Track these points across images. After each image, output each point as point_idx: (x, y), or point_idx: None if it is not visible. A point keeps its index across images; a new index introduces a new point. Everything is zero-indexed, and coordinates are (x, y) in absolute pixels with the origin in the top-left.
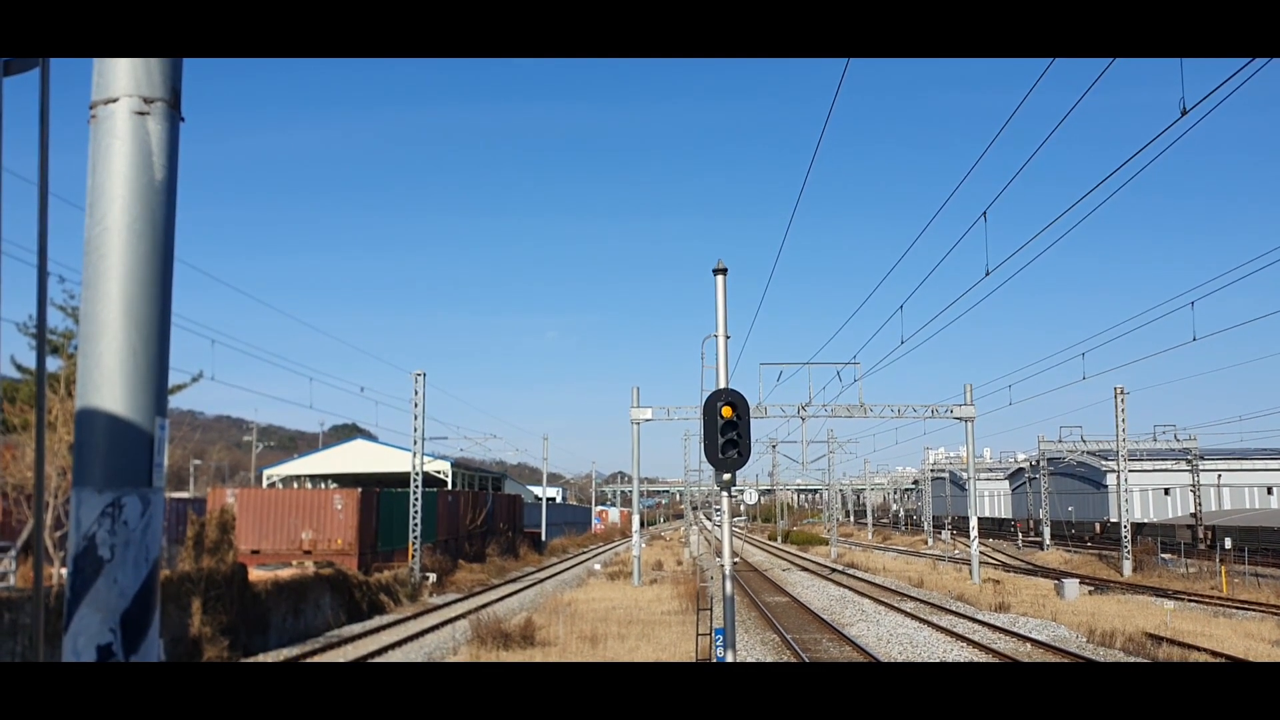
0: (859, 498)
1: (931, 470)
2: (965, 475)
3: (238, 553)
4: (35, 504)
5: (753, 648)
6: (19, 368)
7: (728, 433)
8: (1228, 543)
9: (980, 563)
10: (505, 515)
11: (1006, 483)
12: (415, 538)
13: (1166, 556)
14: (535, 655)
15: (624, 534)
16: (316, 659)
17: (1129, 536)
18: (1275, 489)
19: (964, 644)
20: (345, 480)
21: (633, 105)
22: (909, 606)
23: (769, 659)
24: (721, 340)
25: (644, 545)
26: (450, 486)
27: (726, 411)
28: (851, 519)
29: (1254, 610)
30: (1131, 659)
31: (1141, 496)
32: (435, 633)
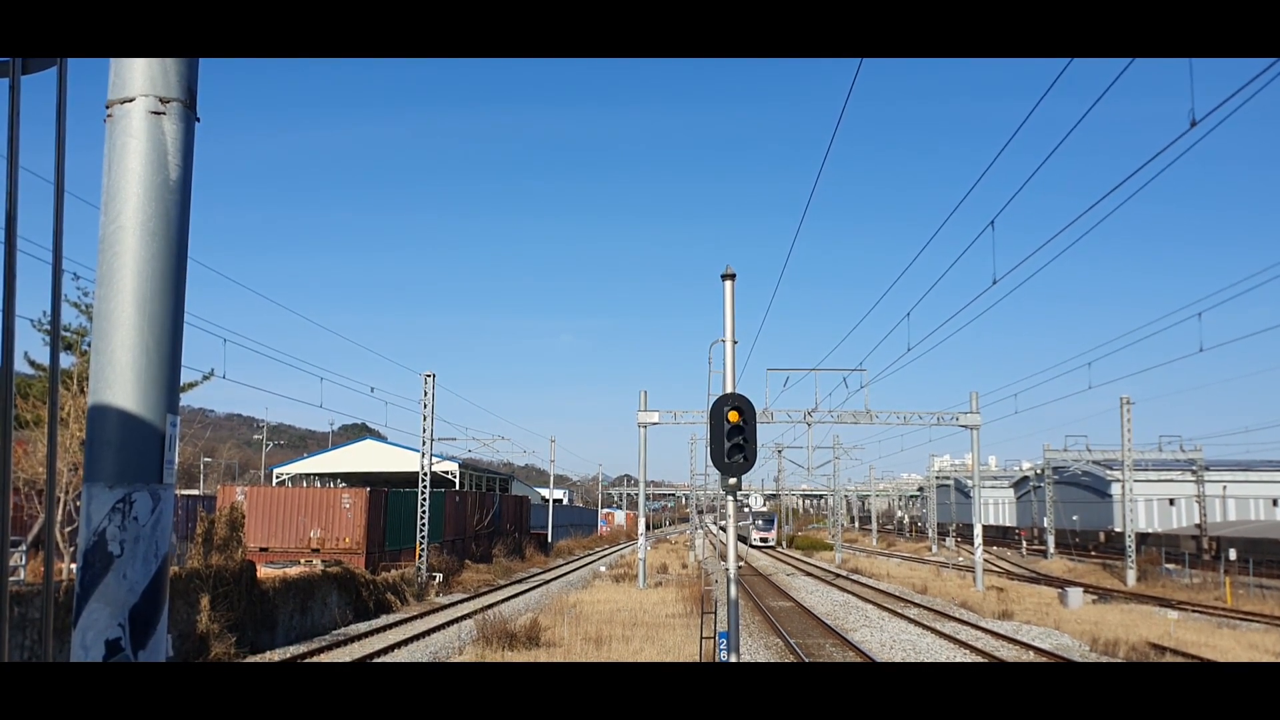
0: (864, 504)
1: (936, 477)
2: (970, 483)
3: (246, 550)
4: (47, 499)
5: (756, 651)
6: (32, 364)
7: (734, 437)
8: (1232, 554)
9: (984, 570)
10: (512, 516)
11: (1011, 491)
12: (422, 538)
13: (1171, 567)
14: (540, 656)
15: (630, 536)
16: (323, 657)
17: (1133, 546)
18: None
19: (967, 651)
20: (354, 479)
21: (644, 110)
22: (912, 613)
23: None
24: (729, 345)
25: (649, 548)
26: (458, 487)
27: (733, 416)
28: (856, 525)
29: (1258, 621)
30: None
31: (1146, 506)
32: (441, 632)
